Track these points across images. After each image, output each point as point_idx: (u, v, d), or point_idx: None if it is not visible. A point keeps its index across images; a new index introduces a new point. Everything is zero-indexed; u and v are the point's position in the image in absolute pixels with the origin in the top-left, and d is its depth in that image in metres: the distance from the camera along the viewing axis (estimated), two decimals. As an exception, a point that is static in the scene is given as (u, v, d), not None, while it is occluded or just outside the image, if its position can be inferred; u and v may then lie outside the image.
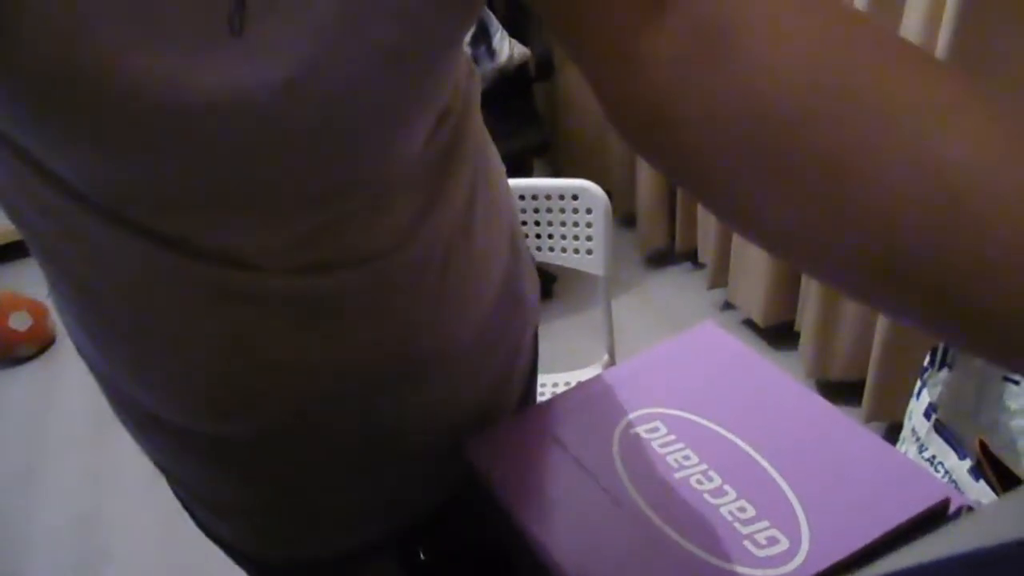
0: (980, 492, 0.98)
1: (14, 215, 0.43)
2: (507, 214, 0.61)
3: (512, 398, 0.68)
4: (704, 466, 0.58)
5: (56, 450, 1.97)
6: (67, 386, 2.19)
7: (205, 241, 0.42)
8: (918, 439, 1.12)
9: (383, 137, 0.43)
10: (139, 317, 0.45)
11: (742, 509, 0.55)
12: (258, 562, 0.63)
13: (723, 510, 0.55)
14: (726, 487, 0.57)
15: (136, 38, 0.33)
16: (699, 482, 0.57)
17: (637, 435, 0.61)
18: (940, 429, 1.08)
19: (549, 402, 0.66)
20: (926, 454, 1.10)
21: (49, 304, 2.32)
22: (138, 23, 0.33)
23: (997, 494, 0.99)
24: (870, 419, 1.61)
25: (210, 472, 0.55)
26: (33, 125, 0.36)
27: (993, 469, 1.06)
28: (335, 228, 0.44)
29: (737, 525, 0.53)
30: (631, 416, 0.63)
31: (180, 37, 0.34)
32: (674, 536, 0.53)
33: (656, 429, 0.62)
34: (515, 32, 2.05)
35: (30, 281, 2.62)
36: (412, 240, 0.48)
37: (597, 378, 0.69)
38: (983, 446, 1.08)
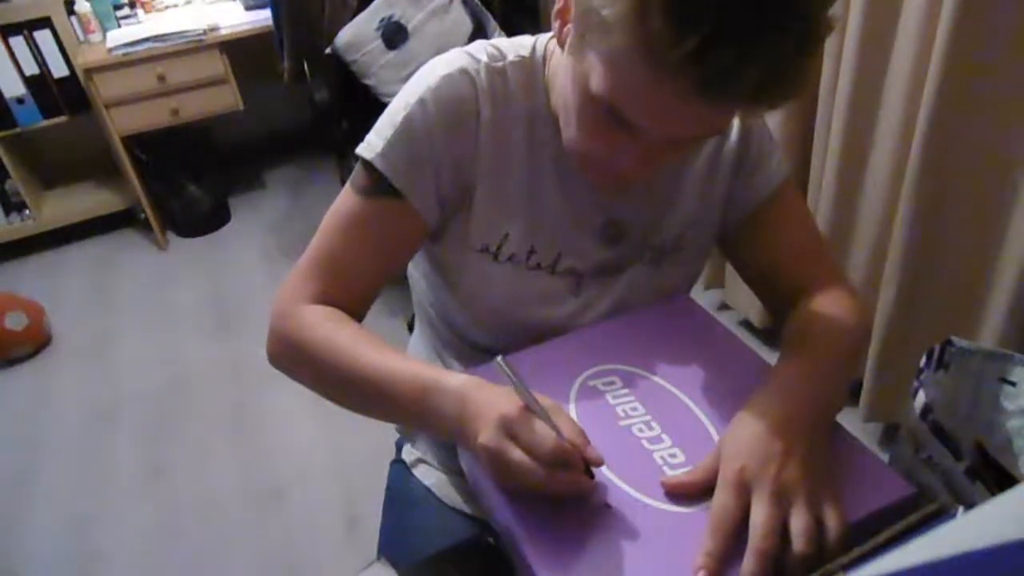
0: (977, 493, 0.98)
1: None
2: None
3: None
4: (648, 417, 0.64)
5: (52, 450, 1.97)
6: (63, 386, 2.18)
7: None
8: (915, 440, 1.12)
9: None
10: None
11: (673, 455, 0.62)
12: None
13: (656, 455, 0.61)
14: (663, 436, 0.63)
15: (514, 300, 0.77)
16: (640, 430, 0.63)
17: (595, 387, 0.68)
18: (937, 430, 1.08)
19: (526, 351, 0.72)
20: (923, 455, 1.10)
21: (45, 304, 2.32)
22: (515, 292, 0.77)
23: (994, 495, 0.99)
24: (868, 420, 1.61)
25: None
26: (464, 310, 0.81)
27: (990, 470, 1.06)
28: None
29: (665, 468, 0.60)
30: (593, 369, 0.70)
31: (541, 300, 0.78)
32: (605, 470, 0.59)
33: (613, 383, 0.68)
34: (511, 31, 2.05)
35: (27, 281, 2.62)
36: None
37: (572, 334, 0.75)
38: (980, 447, 1.08)
